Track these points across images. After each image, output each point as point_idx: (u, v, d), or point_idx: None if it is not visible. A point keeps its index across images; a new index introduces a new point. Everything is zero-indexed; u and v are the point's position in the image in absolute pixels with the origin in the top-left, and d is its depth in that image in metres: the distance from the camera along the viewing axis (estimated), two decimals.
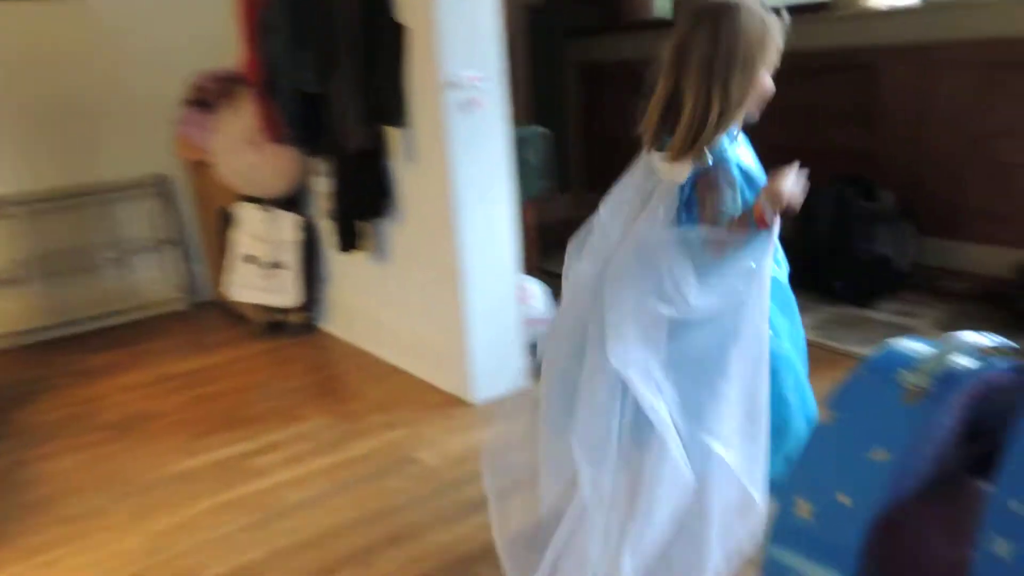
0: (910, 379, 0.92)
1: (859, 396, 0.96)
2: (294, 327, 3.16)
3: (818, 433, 0.96)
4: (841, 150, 3.29)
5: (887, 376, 0.94)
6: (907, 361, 0.95)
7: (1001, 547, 0.75)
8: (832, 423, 0.95)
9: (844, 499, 0.89)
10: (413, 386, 2.59)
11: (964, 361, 0.93)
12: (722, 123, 1.30)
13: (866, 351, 2.43)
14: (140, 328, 3.43)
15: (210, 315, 3.54)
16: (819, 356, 2.46)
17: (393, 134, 2.53)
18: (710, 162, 1.32)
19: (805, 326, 2.64)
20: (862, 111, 3.21)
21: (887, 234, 2.88)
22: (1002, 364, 0.95)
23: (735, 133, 1.38)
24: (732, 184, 1.33)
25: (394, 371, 2.72)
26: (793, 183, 1.31)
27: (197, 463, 2.22)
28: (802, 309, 2.80)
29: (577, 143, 4.63)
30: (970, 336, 0.97)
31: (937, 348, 0.96)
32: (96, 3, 3.33)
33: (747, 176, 1.35)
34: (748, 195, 1.34)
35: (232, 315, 3.41)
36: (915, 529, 0.90)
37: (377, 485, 2.03)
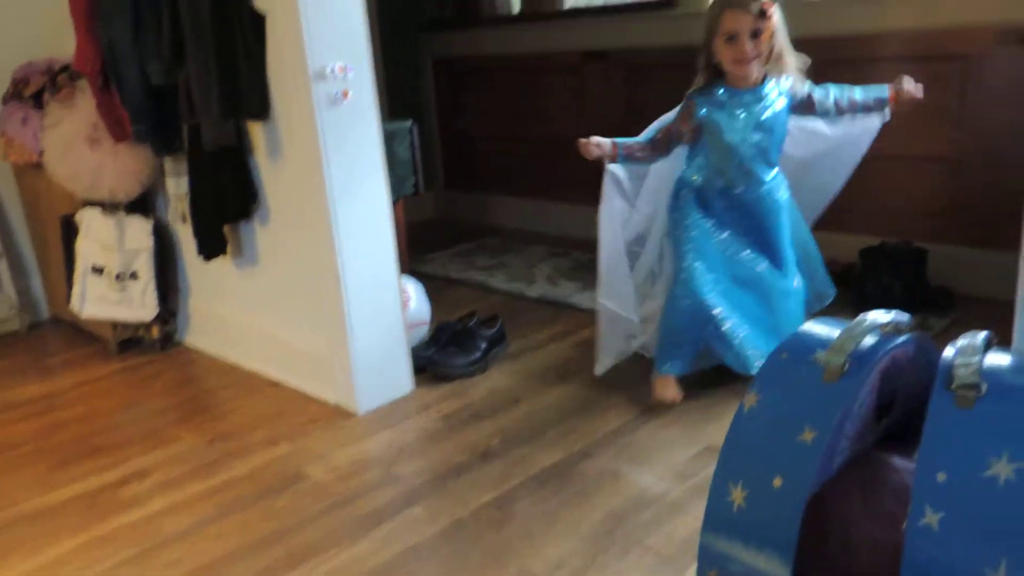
0: (827, 359, 0.97)
1: (780, 379, 1.00)
2: (152, 343, 2.94)
3: (743, 417, 0.99)
4: None
5: (805, 358, 0.99)
6: (822, 342, 1.00)
7: (931, 518, 0.80)
8: (757, 407, 0.99)
9: (777, 482, 0.92)
10: (292, 399, 2.47)
11: (871, 338, 0.99)
12: (702, 80, 2.18)
13: None
14: None
15: (51, 334, 3.23)
16: None
17: (254, 129, 2.40)
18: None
19: None
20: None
21: None
22: (900, 339, 1.01)
23: (719, 89, 2.14)
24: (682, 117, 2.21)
25: (269, 384, 2.59)
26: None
27: (57, 497, 2.01)
28: None
29: (436, 139, 4.59)
30: (872, 314, 1.03)
31: (845, 328, 1.02)
32: None
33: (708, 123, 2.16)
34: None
35: (78, 333, 3.12)
36: (839, 507, 0.94)
37: (264, 505, 1.92)
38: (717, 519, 0.97)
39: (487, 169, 4.40)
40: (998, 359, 0.89)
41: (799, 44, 3.01)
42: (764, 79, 2.12)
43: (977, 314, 2.61)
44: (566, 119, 3.86)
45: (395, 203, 2.52)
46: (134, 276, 2.84)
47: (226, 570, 1.69)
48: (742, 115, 2.10)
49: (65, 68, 2.96)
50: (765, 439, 0.96)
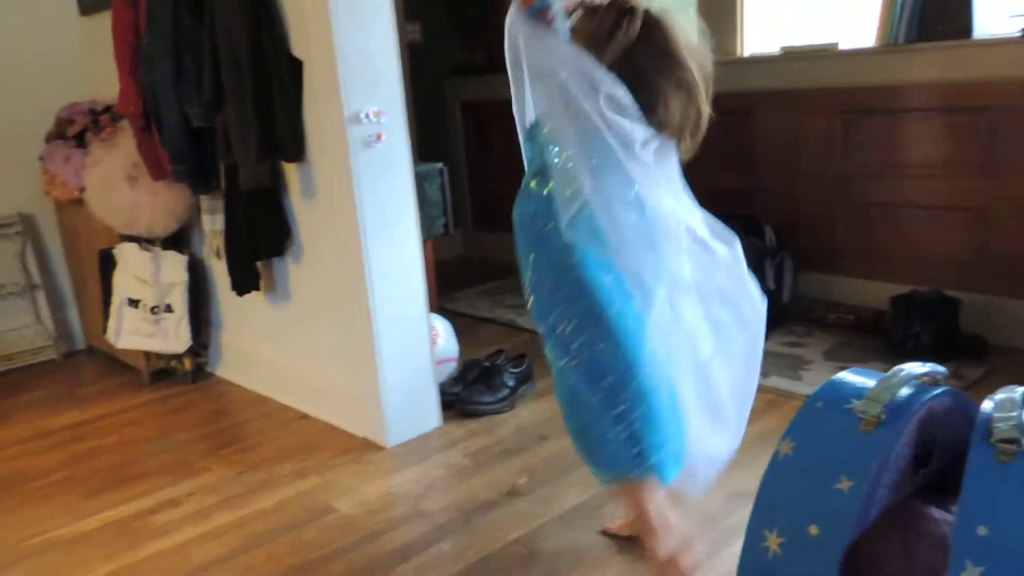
0: (863, 408, 0.98)
1: (816, 427, 1.00)
2: (184, 374, 2.98)
3: (778, 464, 1.00)
4: (727, 190, 3.49)
5: (840, 407, 1.00)
6: (857, 391, 1.01)
7: (972, 572, 0.80)
8: (792, 454, 0.99)
9: (814, 530, 0.92)
10: (321, 432, 2.50)
11: (907, 389, 1.00)
12: None
13: (767, 381, 2.57)
14: (8, 380, 3.14)
15: (86, 364, 3.29)
16: None
17: (289, 169, 2.47)
18: None
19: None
20: (742, 153, 3.42)
21: (772, 269, 3.06)
22: (937, 390, 1.02)
23: None
24: None
25: (299, 417, 2.62)
26: None
27: (89, 525, 2.04)
28: None
29: (464, 181, 4.67)
30: (908, 365, 1.04)
31: (881, 379, 1.03)
32: None
33: None
34: None
35: (112, 363, 3.18)
36: (877, 557, 0.95)
37: (293, 538, 1.93)
38: (752, 565, 0.98)
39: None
40: None
41: (828, 93, 3.07)
42: None
43: (1011, 364, 2.58)
44: None
45: (425, 242, 2.56)
46: (169, 309, 2.90)
47: None
48: None
49: (107, 109, 3.06)
50: (801, 487, 0.97)
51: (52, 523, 2.06)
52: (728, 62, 3.41)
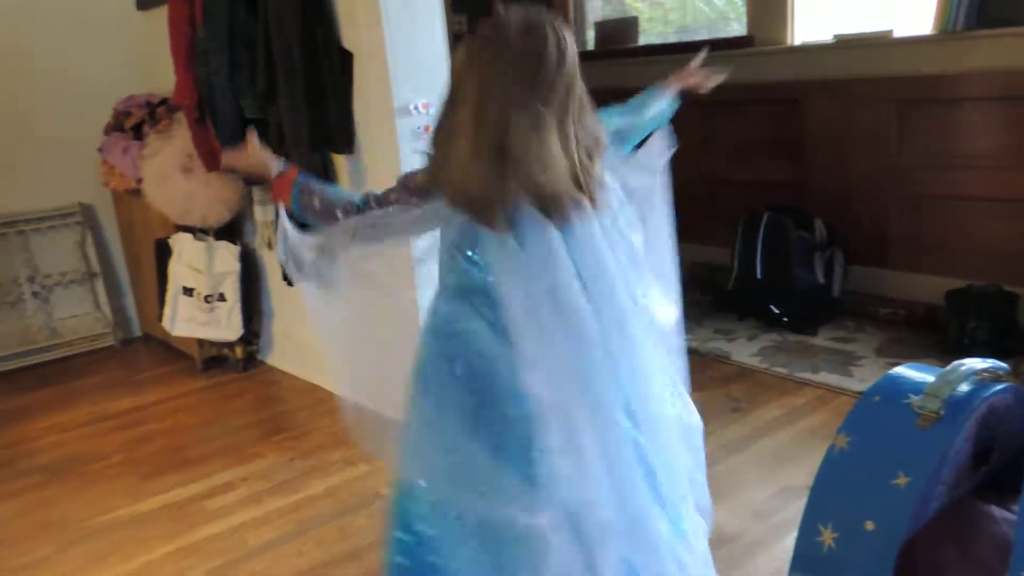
0: (921, 404, 0.96)
1: (872, 422, 0.99)
2: (236, 362, 3.05)
3: (833, 459, 0.99)
4: (774, 182, 3.44)
5: (898, 402, 0.99)
6: (915, 387, 0.99)
7: None
8: (848, 449, 0.99)
9: (869, 525, 0.92)
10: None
11: (967, 385, 0.98)
12: None
13: (816, 377, 2.54)
14: (68, 365, 3.25)
15: (142, 350, 3.39)
16: (768, 382, 2.56)
17: (339, 161, 2.50)
18: None
19: (750, 353, 2.76)
20: (790, 144, 3.36)
21: (822, 263, 3.02)
22: (999, 387, 1.00)
23: None
24: None
25: None
26: None
27: (147, 507, 2.11)
28: (745, 336, 2.92)
29: None
30: (968, 360, 1.02)
31: (940, 374, 1.01)
32: (7, 26, 3.17)
33: None
34: None
35: (167, 350, 3.27)
36: (933, 554, 0.94)
37: (343, 524, 1.97)
38: (806, 559, 0.97)
39: None
40: None
41: (882, 83, 3.00)
42: None
43: None
44: None
45: None
46: (221, 298, 2.97)
47: None
48: None
49: (163, 102, 3.14)
50: (856, 481, 0.96)
51: (113, 503, 2.14)
52: (777, 51, 3.36)
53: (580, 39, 4.39)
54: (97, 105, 3.23)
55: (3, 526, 2.07)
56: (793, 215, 3.06)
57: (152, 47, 3.11)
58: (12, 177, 3.23)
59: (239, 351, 3.04)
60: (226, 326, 2.98)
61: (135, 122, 3.13)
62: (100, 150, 3.23)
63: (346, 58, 2.31)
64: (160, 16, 2.78)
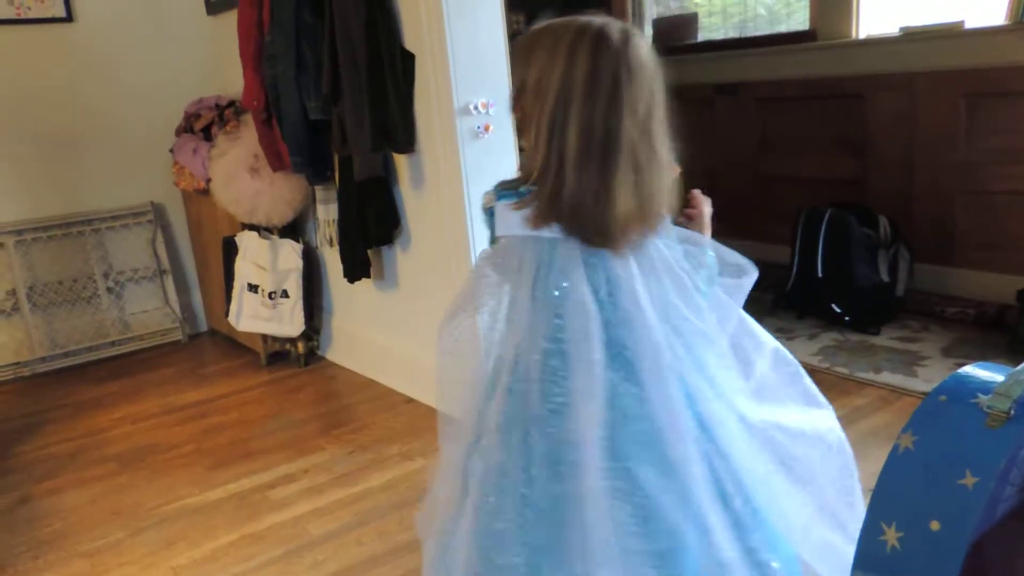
0: (991, 403, 0.94)
1: (938, 421, 0.97)
2: (297, 357, 3.13)
3: (898, 458, 0.98)
4: (834, 178, 3.37)
5: (965, 400, 0.96)
6: (984, 386, 0.97)
7: None
8: (913, 448, 0.97)
9: (935, 525, 0.90)
10: (426, 415, 2.58)
11: None
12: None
13: (879, 377, 2.48)
14: (138, 358, 3.38)
15: (209, 345, 3.50)
16: (828, 382, 2.51)
17: (400, 160, 2.54)
18: None
19: (809, 352, 2.71)
20: (853, 139, 3.29)
21: (886, 260, 2.95)
22: None
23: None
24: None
25: (405, 400, 2.71)
26: None
27: (214, 496, 2.18)
28: (805, 335, 2.86)
29: None
30: None
31: (1011, 373, 0.99)
32: (86, 30, 3.31)
33: None
34: None
35: (232, 345, 3.37)
36: (1002, 557, 0.91)
37: (402, 516, 2.01)
38: (869, 558, 0.96)
39: None
40: None
41: (952, 76, 2.91)
42: None
43: None
44: (694, 150, 3.84)
45: None
46: (285, 295, 3.05)
47: (366, 574, 1.78)
48: None
49: (231, 104, 3.23)
50: (922, 481, 0.94)
51: (182, 491, 2.22)
52: (840, 45, 3.29)
53: None
54: (168, 108, 3.35)
55: (77, 512, 2.16)
56: (856, 212, 3.00)
57: (220, 51, 3.22)
58: (90, 178, 3.37)
59: (300, 346, 3.11)
60: (289, 322, 3.06)
61: (204, 124, 3.24)
62: (171, 151, 3.35)
63: (408, 60, 2.35)
64: (227, 21, 2.87)
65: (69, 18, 3.26)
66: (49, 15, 3.23)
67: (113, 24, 3.34)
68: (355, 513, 2.04)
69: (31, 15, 3.20)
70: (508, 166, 2.35)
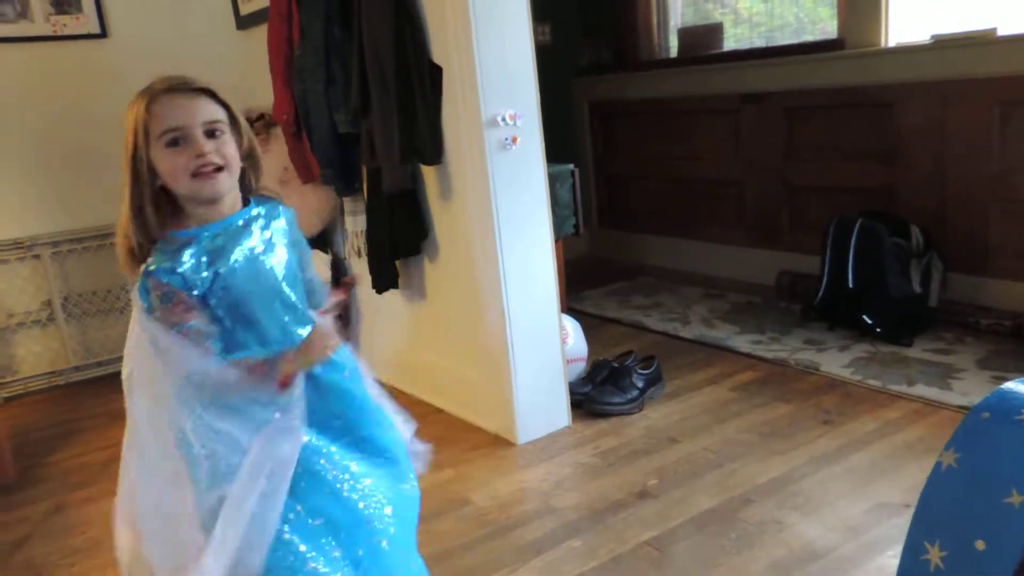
0: None
1: (982, 439, 0.96)
2: None
3: (941, 475, 0.97)
4: (863, 187, 3.34)
5: (1009, 417, 0.95)
6: None
7: None
8: (956, 465, 0.96)
9: (980, 545, 0.89)
10: (454, 426, 2.58)
11: None
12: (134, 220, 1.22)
13: (912, 390, 2.45)
14: None
15: None
16: (861, 395, 2.48)
17: (427, 172, 2.56)
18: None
19: (841, 365, 2.68)
20: (883, 148, 3.26)
21: (918, 271, 2.91)
22: None
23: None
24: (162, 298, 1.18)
25: (433, 411, 2.71)
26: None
27: None
28: (836, 347, 2.84)
29: (591, 180, 4.68)
30: None
31: None
32: (119, 46, 3.37)
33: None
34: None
35: None
36: None
37: (429, 527, 2.01)
38: None
39: (640, 209, 4.43)
40: None
41: (985, 83, 2.88)
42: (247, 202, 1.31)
43: None
44: (720, 161, 3.84)
45: (556, 242, 2.59)
46: None
47: None
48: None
49: (261, 117, 3.26)
50: (966, 499, 0.93)
51: None
52: (870, 54, 3.26)
53: (663, 46, 4.37)
54: None
55: (104, 522, 2.18)
56: (887, 221, 2.96)
57: (250, 65, 3.25)
58: (119, 189, 3.41)
59: None
60: None
61: None
62: None
63: (436, 72, 2.37)
64: (257, 36, 2.91)
65: (103, 34, 3.32)
66: (84, 31, 3.30)
67: (146, 39, 3.39)
68: None
69: (67, 31, 3.27)
70: (536, 178, 2.36)
